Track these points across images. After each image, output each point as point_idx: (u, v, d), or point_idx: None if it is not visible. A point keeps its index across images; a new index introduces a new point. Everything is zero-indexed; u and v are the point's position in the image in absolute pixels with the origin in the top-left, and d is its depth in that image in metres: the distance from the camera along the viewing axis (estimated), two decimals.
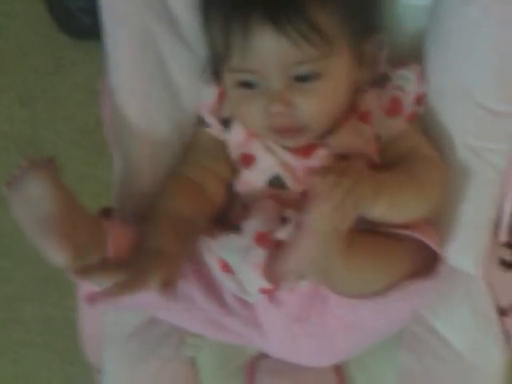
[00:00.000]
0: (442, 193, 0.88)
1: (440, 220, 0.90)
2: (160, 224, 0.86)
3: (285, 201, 0.88)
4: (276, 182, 0.89)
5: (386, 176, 0.84)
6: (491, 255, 0.95)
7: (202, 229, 0.89)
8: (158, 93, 0.93)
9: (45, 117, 1.59)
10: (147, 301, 0.83)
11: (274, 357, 0.92)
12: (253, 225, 0.84)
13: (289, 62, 0.83)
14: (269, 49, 0.83)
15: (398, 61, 0.93)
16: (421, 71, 0.92)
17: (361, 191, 0.77)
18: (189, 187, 0.91)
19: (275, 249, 0.82)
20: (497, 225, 0.95)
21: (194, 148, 0.95)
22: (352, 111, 0.90)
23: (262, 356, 0.94)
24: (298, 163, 0.89)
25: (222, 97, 0.93)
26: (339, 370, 0.94)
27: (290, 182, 0.89)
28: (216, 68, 0.92)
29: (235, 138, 0.92)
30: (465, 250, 0.93)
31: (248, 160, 0.91)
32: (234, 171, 0.92)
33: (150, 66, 0.92)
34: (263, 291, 0.84)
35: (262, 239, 0.83)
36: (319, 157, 0.88)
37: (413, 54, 0.94)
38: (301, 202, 0.87)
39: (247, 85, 0.87)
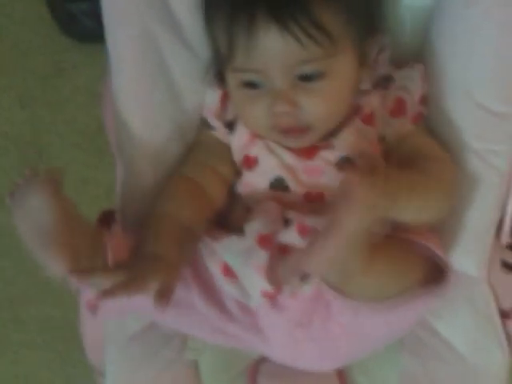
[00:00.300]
0: (456, 194, 0.87)
1: (443, 222, 0.89)
2: (159, 228, 0.86)
3: (287, 203, 0.87)
4: (278, 184, 0.89)
5: (409, 176, 0.82)
6: (493, 257, 0.94)
7: (202, 231, 0.89)
8: (159, 94, 0.93)
9: (46, 119, 1.59)
10: (147, 306, 0.83)
11: (275, 361, 0.92)
12: (255, 227, 0.84)
13: (293, 62, 0.83)
14: (273, 48, 0.82)
15: (400, 62, 0.93)
16: (424, 70, 0.92)
17: (392, 192, 0.75)
18: (189, 187, 0.91)
19: (278, 251, 0.81)
20: (499, 227, 0.95)
21: (197, 148, 0.95)
22: (355, 113, 0.90)
23: (264, 359, 0.94)
24: (300, 165, 0.88)
25: (225, 99, 0.93)
26: (341, 373, 0.94)
27: (292, 184, 0.88)
28: (219, 69, 0.91)
29: (238, 140, 0.92)
30: (468, 252, 0.93)
31: (250, 162, 0.91)
32: (237, 174, 0.92)
33: (152, 67, 0.92)
34: (265, 294, 0.83)
35: (265, 241, 0.82)
36: (322, 158, 0.88)
37: (414, 56, 0.94)
38: (303, 204, 0.88)
39: (251, 85, 0.86)
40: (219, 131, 0.94)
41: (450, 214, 0.89)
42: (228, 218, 0.92)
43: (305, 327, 0.85)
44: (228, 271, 0.86)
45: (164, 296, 0.78)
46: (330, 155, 0.88)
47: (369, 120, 0.90)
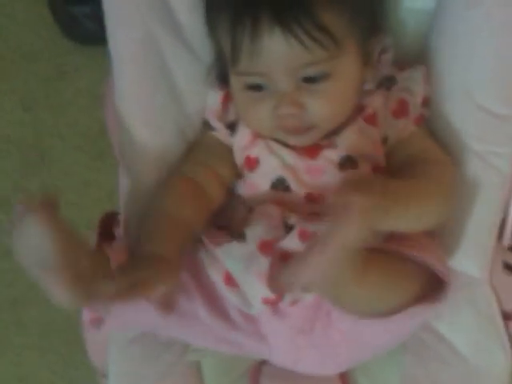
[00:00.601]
0: (456, 197, 0.87)
1: (445, 224, 0.89)
2: (158, 227, 0.86)
3: (288, 204, 0.87)
4: (280, 185, 0.89)
5: (406, 184, 0.82)
6: (495, 259, 0.94)
7: (202, 231, 0.88)
8: (161, 97, 0.93)
9: (48, 122, 1.59)
10: (151, 320, 0.82)
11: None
12: (257, 232, 0.84)
13: (298, 64, 0.83)
14: (277, 51, 0.82)
15: (401, 64, 0.93)
16: (426, 72, 0.92)
17: (386, 205, 0.74)
18: (189, 187, 0.91)
19: (279, 258, 0.81)
20: (501, 229, 0.95)
21: (197, 149, 0.95)
22: (358, 113, 0.90)
23: (266, 361, 0.94)
24: (303, 164, 0.88)
25: (226, 100, 0.93)
26: (343, 375, 0.94)
27: (293, 184, 0.88)
28: (221, 71, 0.92)
29: (240, 141, 0.92)
30: (470, 254, 0.92)
31: (252, 163, 0.91)
32: (238, 176, 0.92)
33: (153, 70, 0.92)
34: (266, 301, 0.83)
35: (266, 247, 0.82)
36: (325, 158, 0.88)
37: (415, 58, 0.94)
38: (304, 204, 0.88)
39: (255, 87, 0.86)
40: (220, 132, 0.94)
41: (452, 215, 0.88)
42: (229, 219, 0.92)
43: (307, 334, 0.85)
44: (230, 280, 0.85)
45: (167, 302, 0.78)
46: (333, 154, 0.88)
47: (371, 120, 0.90)
